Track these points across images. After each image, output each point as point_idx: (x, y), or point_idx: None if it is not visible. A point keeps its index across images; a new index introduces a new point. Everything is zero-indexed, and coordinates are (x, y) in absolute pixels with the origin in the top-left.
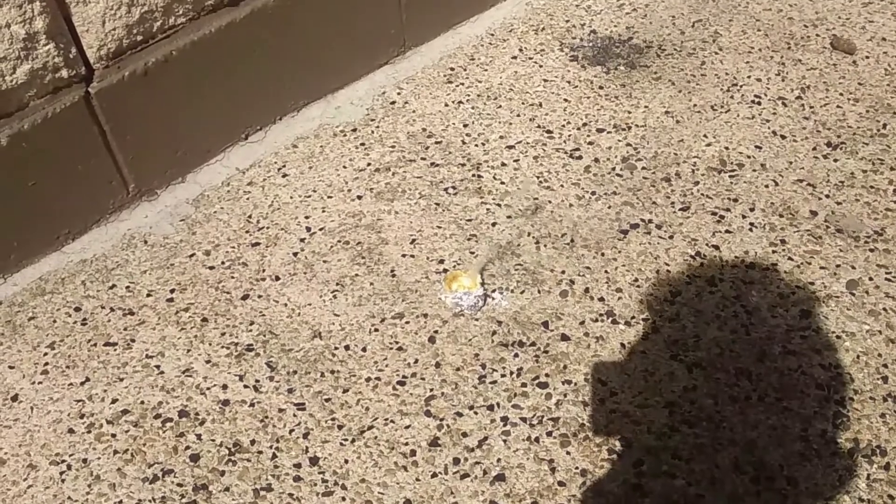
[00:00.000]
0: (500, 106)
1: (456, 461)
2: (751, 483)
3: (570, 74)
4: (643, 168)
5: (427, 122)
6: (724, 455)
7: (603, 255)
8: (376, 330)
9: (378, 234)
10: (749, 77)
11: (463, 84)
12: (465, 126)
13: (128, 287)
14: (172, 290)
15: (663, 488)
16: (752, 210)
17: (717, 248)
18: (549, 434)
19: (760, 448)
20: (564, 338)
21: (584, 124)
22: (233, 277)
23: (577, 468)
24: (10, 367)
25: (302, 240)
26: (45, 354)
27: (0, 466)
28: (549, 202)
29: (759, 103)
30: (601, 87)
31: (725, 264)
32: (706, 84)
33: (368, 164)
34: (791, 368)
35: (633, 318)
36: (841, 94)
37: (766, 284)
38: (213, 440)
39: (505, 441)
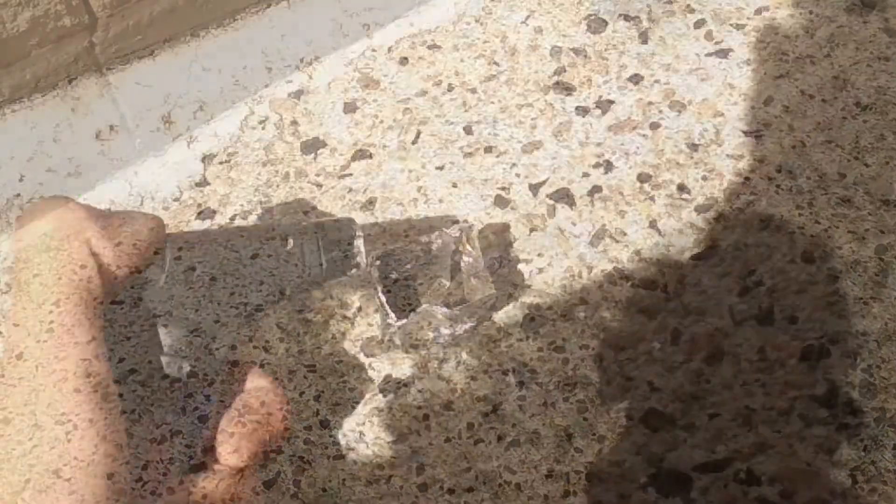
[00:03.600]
0: (518, 62)
1: (469, 426)
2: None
3: (593, 28)
4: (666, 128)
5: (443, 78)
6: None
7: (623, 216)
8: (388, 291)
9: (390, 194)
10: (776, 34)
11: (479, 39)
12: (482, 83)
13: (134, 245)
14: (180, 248)
15: (680, 457)
16: (778, 172)
17: (741, 210)
18: (566, 400)
19: (783, 416)
20: (582, 301)
21: (606, 81)
22: (241, 236)
23: (594, 434)
24: (15, 325)
25: (313, 198)
26: (51, 312)
27: (5, 426)
28: (568, 162)
29: (786, 61)
30: (623, 43)
31: (750, 227)
32: (732, 41)
33: (381, 122)
34: (816, 336)
35: (652, 282)
36: (871, 53)
37: (791, 248)
38: (222, 402)
39: (520, 406)
